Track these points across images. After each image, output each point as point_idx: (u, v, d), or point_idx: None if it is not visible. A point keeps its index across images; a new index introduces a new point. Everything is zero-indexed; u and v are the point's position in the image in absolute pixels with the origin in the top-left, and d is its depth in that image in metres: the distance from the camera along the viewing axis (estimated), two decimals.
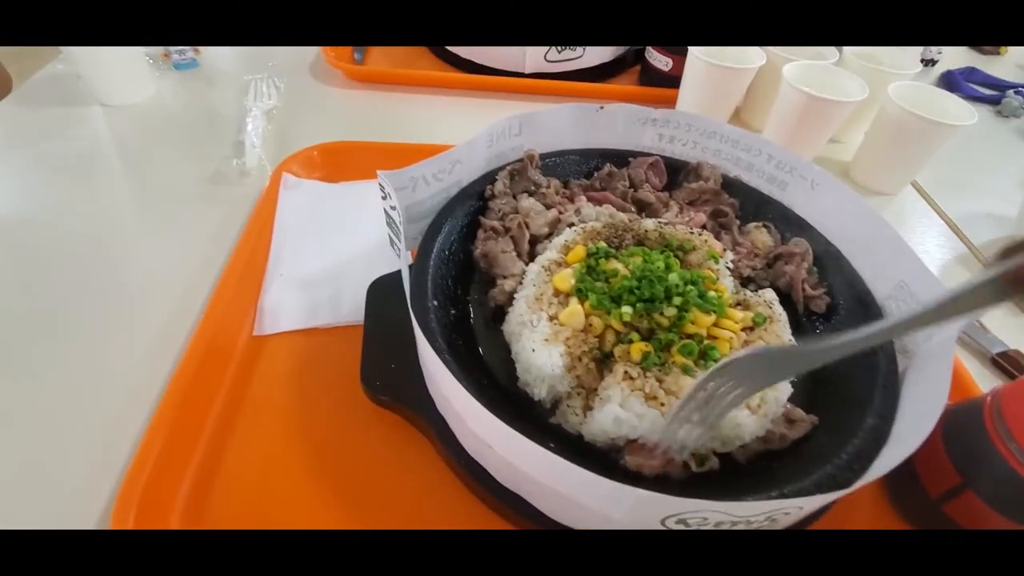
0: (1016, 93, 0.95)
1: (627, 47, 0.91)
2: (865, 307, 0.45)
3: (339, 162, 0.68)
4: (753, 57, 0.74)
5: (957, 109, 0.69)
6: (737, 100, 0.77)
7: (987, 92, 0.99)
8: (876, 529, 0.41)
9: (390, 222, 0.45)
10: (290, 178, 0.63)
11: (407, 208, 0.48)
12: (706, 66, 0.72)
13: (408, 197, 0.47)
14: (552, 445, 0.35)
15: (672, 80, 0.82)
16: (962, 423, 0.37)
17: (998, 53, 1.15)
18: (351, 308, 0.51)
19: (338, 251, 0.57)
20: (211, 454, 0.41)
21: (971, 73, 1.04)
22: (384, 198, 0.46)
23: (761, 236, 0.52)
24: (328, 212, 0.61)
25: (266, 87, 0.81)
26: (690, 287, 0.39)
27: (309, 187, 0.63)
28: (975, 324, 0.56)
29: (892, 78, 0.72)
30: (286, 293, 0.52)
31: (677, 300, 0.38)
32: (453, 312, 0.44)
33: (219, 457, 0.41)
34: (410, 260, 0.46)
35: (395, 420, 0.44)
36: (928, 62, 1.05)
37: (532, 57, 0.83)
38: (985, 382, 0.52)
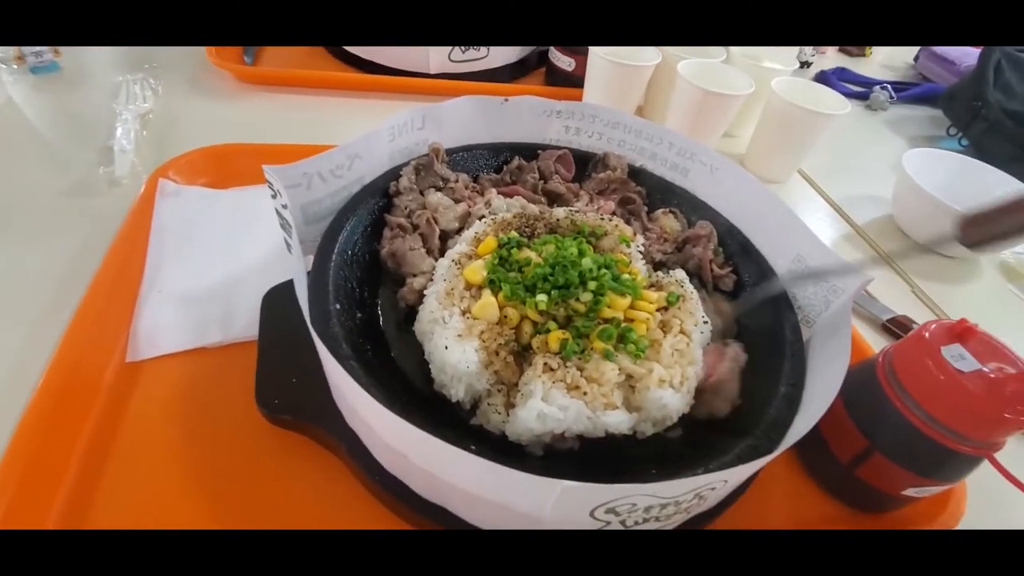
0: (882, 89, 1.06)
1: (532, 48, 0.91)
2: (767, 280, 0.46)
3: (227, 167, 0.62)
4: (649, 56, 0.76)
5: (833, 101, 0.75)
6: (638, 97, 0.80)
7: (857, 89, 1.10)
8: (797, 502, 0.43)
9: (283, 223, 0.41)
10: (168, 184, 0.56)
11: (303, 208, 0.44)
12: (607, 64, 0.74)
13: (303, 195, 0.43)
14: (473, 447, 0.32)
15: (576, 80, 0.83)
16: (859, 386, 0.39)
17: (864, 55, 1.28)
18: (245, 323, 0.46)
19: (228, 262, 0.51)
20: (76, 502, 0.35)
21: (842, 72, 1.14)
22: (274, 196, 0.42)
23: (669, 221, 0.52)
24: (216, 220, 0.55)
25: (140, 89, 0.73)
26: (604, 271, 0.38)
27: (192, 194, 0.57)
28: (865, 294, 0.61)
29: (774, 74, 0.77)
30: (166, 312, 0.46)
31: (592, 285, 0.37)
32: (360, 316, 0.41)
33: (87, 504, 0.35)
34: (308, 265, 0.42)
35: (301, 441, 0.39)
36: (804, 64, 1.15)
37: (436, 57, 0.81)
38: (878, 346, 0.56)
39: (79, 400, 0.40)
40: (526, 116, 0.57)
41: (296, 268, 0.35)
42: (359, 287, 0.43)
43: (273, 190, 0.41)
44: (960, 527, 0.41)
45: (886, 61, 1.29)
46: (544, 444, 0.35)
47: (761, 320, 0.45)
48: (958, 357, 0.35)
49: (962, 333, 0.36)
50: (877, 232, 0.75)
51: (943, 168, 0.74)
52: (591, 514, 0.28)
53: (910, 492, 0.39)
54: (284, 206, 0.42)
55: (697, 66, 0.75)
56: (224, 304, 0.47)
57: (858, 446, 0.39)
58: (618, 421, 0.34)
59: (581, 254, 0.40)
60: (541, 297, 0.37)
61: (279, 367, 0.40)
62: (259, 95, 0.78)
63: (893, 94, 1.07)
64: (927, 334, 0.37)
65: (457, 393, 0.36)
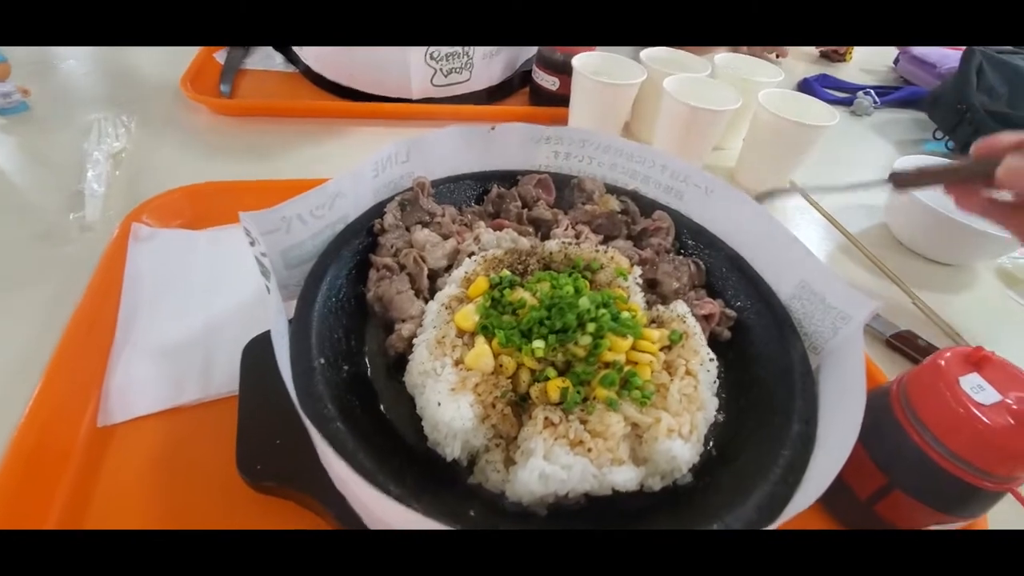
0: (864, 94, 1.06)
1: (514, 70, 0.90)
2: (771, 309, 0.45)
3: (205, 206, 0.59)
4: (634, 73, 0.75)
5: (820, 111, 0.74)
6: (625, 115, 0.78)
7: (840, 95, 1.10)
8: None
9: (263, 271, 0.39)
10: (142, 228, 0.54)
11: (284, 252, 0.42)
12: (591, 84, 0.73)
13: (282, 240, 0.41)
14: (472, 513, 0.30)
15: (561, 99, 0.81)
16: (874, 417, 0.37)
17: (844, 60, 1.28)
18: (226, 376, 0.43)
19: (206, 309, 0.49)
20: None
21: (824, 79, 1.14)
22: (252, 244, 0.39)
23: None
24: (193, 264, 0.53)
25: (112, 127, 0.71)
26: (603, 311, 0.36)
27: (167, 237, 0.54)
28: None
29: (760, 87, 0.76)
30: (139, 369, 0.43)
31: (591, 327, 0.35)
32: (347, 368, 0.38)
33: None
34: (290, 313, 0.39)
35: (289, 507, 0.37)
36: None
37: (418, 81, 0.79)
38: (884, 363, 0.55)
39: (47, 472, 0.37)
40: (514, 144, 0.55)
41: (276, 324, 0.33)
42: (345, 336, 0.40)
43: (251, 237, 0.39)
44: None
45: (865, 65, 1.29)
46: (548, 504, 0.33)
47: (768, 349, 0.43)
48: (977, 388, 0.33)
49: (979, 361, 0.35)
50: (872, 241, 0.74)
51: None
52: None
53: (931, 527, 0.37)
54: (264, 254, 0.39)
55: (683, 81, 0.74)
56: (202, 356, 0.45)
57: (876, 482, 0.37)
58: (626, 479, 0.31)
59: (578, 292, 0.38)
60: (538, 343, 0.35)
61: (261, 428, 0.37)
62: (237, 128, 0.76)
63: (876, 99, 1.07)
64: (942, 362, 0.35)
65: (453, 451, 0.33)
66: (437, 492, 0.31)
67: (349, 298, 0.43)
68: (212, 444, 0.39)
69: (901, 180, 0.56)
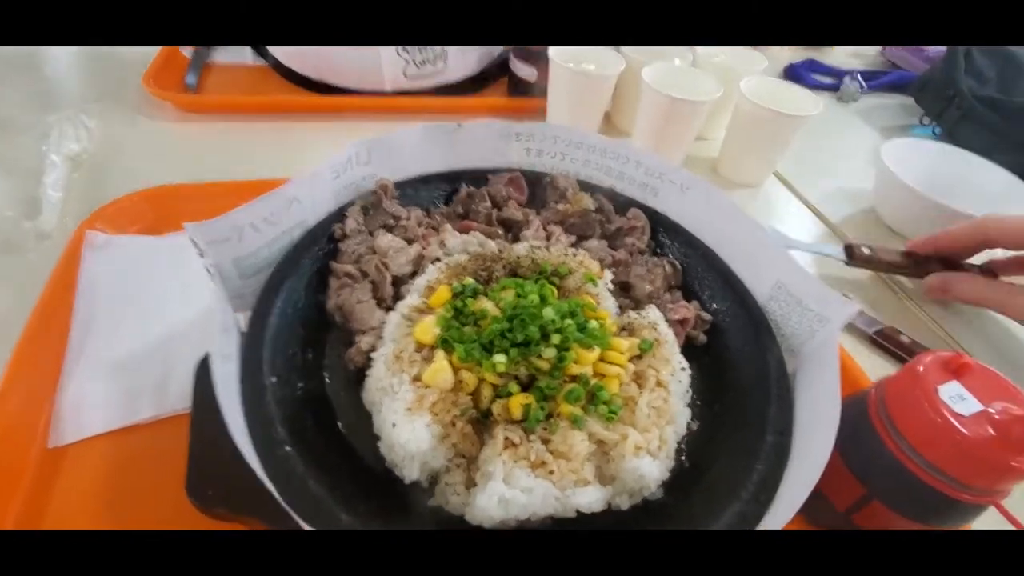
0: (852, 79, 1.04)
1: (491, 59, 0.87)
2: (748, 311, 0.43)
3: (168, 210, 0.57)
4: (612, 63, 0.73)
5: (804, 99, 0.72)
6: (605, 105, 0.76)
7: (827, 81, 1.07)
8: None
9: (214, 283, 0.37)
10: (97, 236, 0.52)
11: (237, 261, 0.40)
12: (568, 74, 0.70)
13: (234, 249, 0.39)
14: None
15: (540, 89, 0.79)
16: (852, 426, 0.36)
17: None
18: (184, 393, 0.41)
19: (165, 321, 0.47)
20: None
21: (811, 64, 1.12)
22: (201, 255, 0.37)
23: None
24: (152, 273, 0.50)
25: (72, 128, 0.68)
26: (568, 321, 0.35)
27: (123, 244, 0.52)
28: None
29: (742, 75, 0.74)
30: (93, 385, 0.42)
31: (555, 338, 0.34)
32: (302, 385, 0.36)
33: None
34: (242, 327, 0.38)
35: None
36: None
37: (390, 73, 0.77)
38: (867, 361, 0.54)
39: None
40: (484, 141, 0.53)
41: (218, 345, 0.31)
42: (302, 349, 0.39)
43: (198, 248, 0.37)
44: None
45: (853, 49, 1.27)
46: (510, 527, 0.31)
47: (743, 353, 0.42)
48: (957, 398, 0.32)
49: (959, 369, 0.33)
50: (860, 227, 0.73)
51: (922, 157, 0.72)
52: None
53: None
54: (215, 266, 0.38)
55: (662, 71, 0.72)
56: (158, 371, 0.43)
57: (855, 494, 0.36)
58: (591, 501, 0.30)
59: (543, 301, 0.36)
60: (499, 358, 0.33)
61: (214, 449, 0.35)
62: (204, 126, 0.73)
63: (863, 84, 1.05)
64: (921, 369, 0.34)
65: (411, 474, 0.32)
66: (390, 519, 0.29)
67: (308, 308, 0.41)
68: (167, 464, 0.38)
69: (856, 257, 0.60)
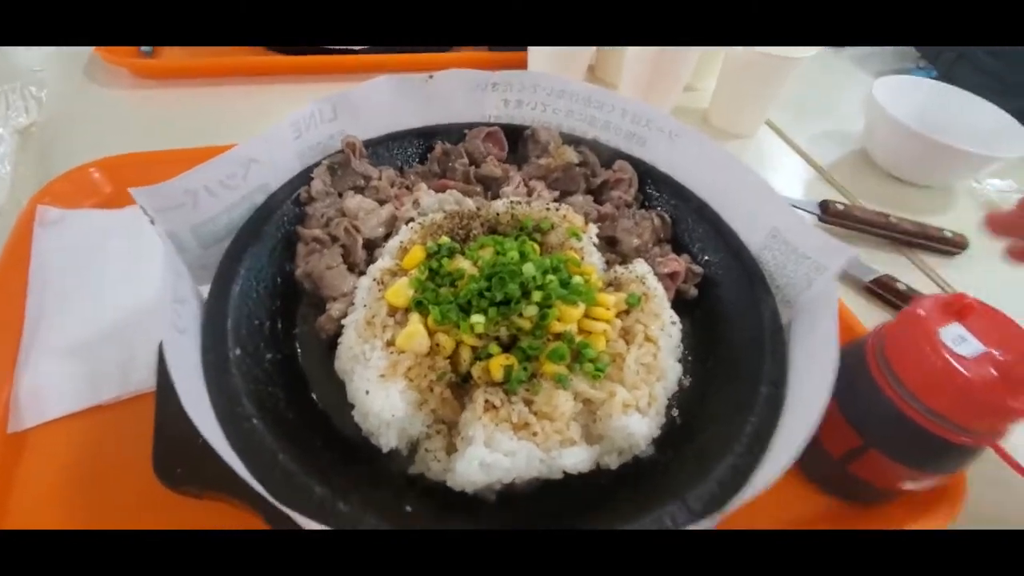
0: None
1: None
2: (741, 262, 0.41)
3: (126, 182, 0.52)
4: None
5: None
6: (588, 57, 0.73)
7: None
8: (785, 496, 0.38)
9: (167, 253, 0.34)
10: (49, 211, 0.48)
11: (195, 229, 0.37)
12: None
13: (190, 215, 0.36)
14: (409, 508, 0.27)
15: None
16: (849, 374, 0.34)
17: None
18: (149, 371, 0.39)
19: (126, 297, 0.44)
20: None
21: None
22: (152, 223, 0.35)
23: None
24: (111, 247, 0.47)
25: (21, 100, 0.64)
26: (550, 277, 0.32)
27: (79, 219, 0.49)
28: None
29: None
30: (51, 368, 0.39)
31: (537, 296, 0.32)
32: (271, 357, 0.34)
33: None
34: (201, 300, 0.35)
35: (218, 508, 0.33)
36: None
37: None
38: (863, 311, 0.52)
39: None
40: (458, 93, 0.49)
41: (167, 317, 0.29)
42: (271, 320, 0.36)
43: (148, 215, 0.34)
44: (960, 515, 0.37)
45: None
46: (495, 490, 0.30)
47: (737, 306, 0.40)
48: (959, 339, 0.30)
49: (961, 310, 0.32)
50: (849, 168, 0.70)
51: (914, 95, 0.70)
52: None
53: (907, 486, 0.35)
54: (169, 233, 0.35)
55: None
56: (121, 349, 0.41)
57: (851, 442, 0.35)
58: (577, 460, 0.29)
59: (523, 257, 0.34)
60: (477, 318, 0.31)
61: (182, 427, 0.33)
62: (162, 92, 0.69)
63: None
64: (921, 312, 0.32)
65: (388, 442, 0.30)
66: (369, 489, 0.28)
67: (275, 277, 0.38)
68: (134, 444, 0.36)
69: (830, 212, 0.59)
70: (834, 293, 0.34)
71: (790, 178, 0.70)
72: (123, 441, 0.36)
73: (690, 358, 0.39)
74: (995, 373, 0.29)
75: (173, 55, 0.76)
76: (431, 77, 0.47)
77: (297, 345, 0.37)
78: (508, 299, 0.31)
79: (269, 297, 0.37)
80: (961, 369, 0.29)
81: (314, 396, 0.34)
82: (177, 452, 0.33)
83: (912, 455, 0.33)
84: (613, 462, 0.31)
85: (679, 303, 0.41)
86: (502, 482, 0.28)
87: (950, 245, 0.59)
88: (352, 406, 0.33)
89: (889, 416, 0.32)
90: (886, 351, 0.33)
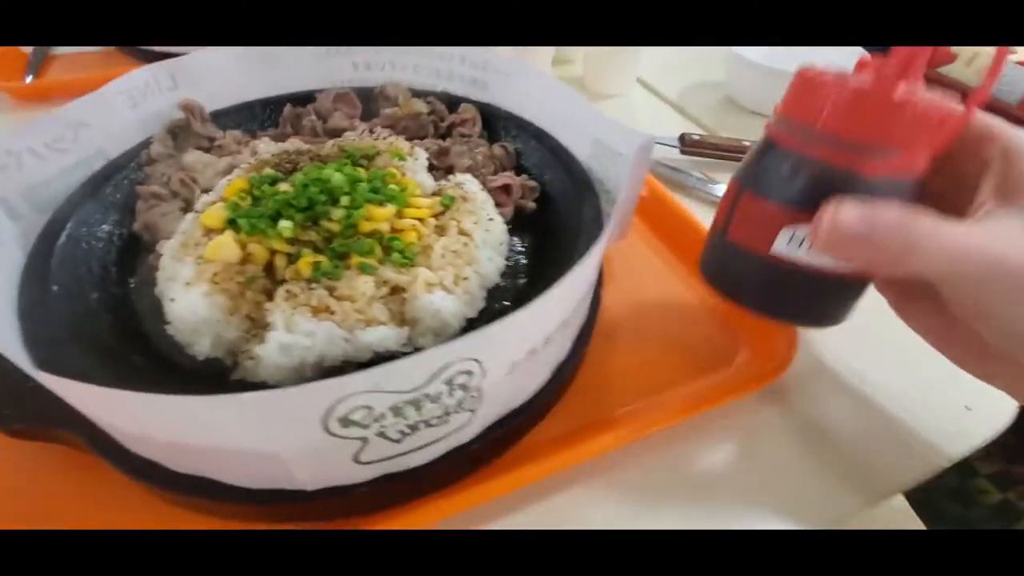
0: None
1: None
2: (571, 173, 0.44)
3: None
4: None
5: None
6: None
7: None
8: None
9: None
10: None
11: (27, 192, 0.38)
12: None
13: (16, 178, 0.37)
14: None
15: None
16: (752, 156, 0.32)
17: None
18: None
19: None
20: None
21: None
22: None
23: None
24: None
25: None
26: (361, 184, 0.34)
27: None
28: (703, 176, 0.60)
29: None
30: None
31: (344, 200, 0.33)
32: (96, 296, 0.35)
33: None
34: None
35: (54, 450, 0.34)
36: None
37: None
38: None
39: None
40: (305, 60, 0.52)
41: None
42: (103, 268, 0.37)
43: None
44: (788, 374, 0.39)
45: None
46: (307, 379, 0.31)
47: (569, 214, 0.42)
48: (841, 71, 0.29)
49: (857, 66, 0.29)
50: (717, 112, 0.75)
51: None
52: (328, 432, 0.24)
53: (781, 247, 0.30)
54: (1, 198, 0.36)
55: None
56: None
57: (729, 197, 0.33)
58: (381, 337, 0.30)
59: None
60: (284, 224, 0.32)
61: (9, 367, 0.34)
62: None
63: None
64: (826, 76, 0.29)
65: (202, 349, 0.31)
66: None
67: (112, 234, 0.39)
68: None
69: (688, 143, 0.62)
70: (637, 167, 0.37)
71: (661, 126, 0.74)
72: None
73: (530, 264, 0.41)
74: (877, 72, 0.28)
75: (58, 74, 0.77)
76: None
77: (132, 288, 0.37)
78: (312, 204, 0.33)
79: (103, 249, 0.38)
80: (843, 82, 0.28)
81: (142, 327, 0.35)
82: (5, 392, 0.33)
83: (783, 189, 0.30)
84: (429, 343, 0.32)
85: (522, 219, 0.44)
86: (305, 362, 0.29)
87: None
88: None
89: (765, 151, 0.31)
90: (778, 111, 0.31)
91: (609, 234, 0.31)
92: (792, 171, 0.30)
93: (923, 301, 0.31)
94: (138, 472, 0.30)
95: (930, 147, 0.29)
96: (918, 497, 0.59)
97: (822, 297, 0.33)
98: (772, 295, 0.33)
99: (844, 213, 0.26)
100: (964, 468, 0.79)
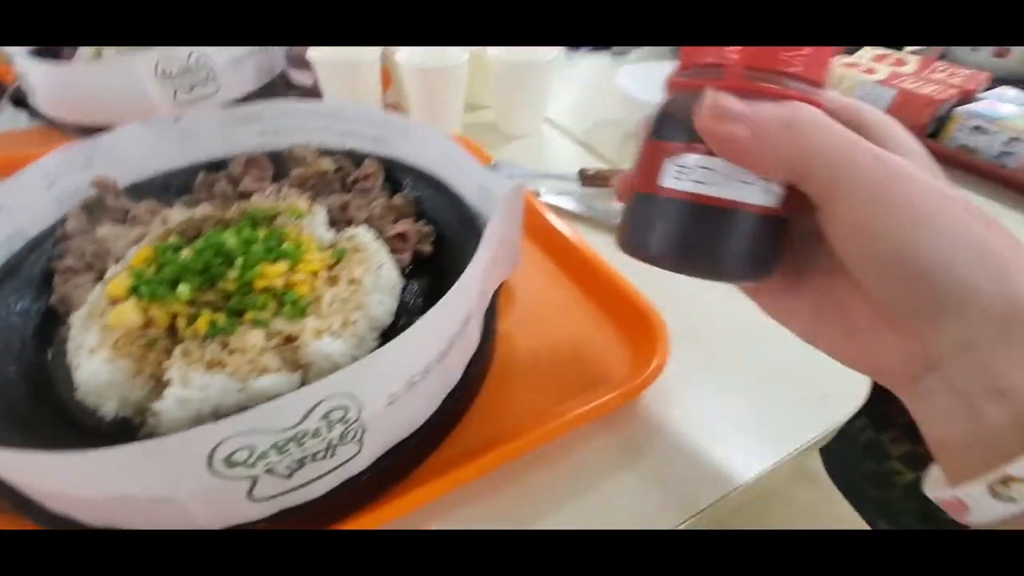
0: None
1: (273, 75, 0.91)
2: (461, 218, 0.49)
3: None
4: (367, 52, 0.78)
5: (546, 51, 0.81)
6: (375, 94, 0.82)
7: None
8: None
9: None
10: None
11: None
12: (327, 69, 0.75)
13: None
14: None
15: (318, 94, 0.83)
16: None
17: None
18: None
19: None
20: None
21: None
22: None
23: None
24: None
25: None
26: (255, 245, 0.38)
27: None
28: (599, 206, 0.66)
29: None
30: None
31: (239, 260, 0.37)
32: (14, 369, 0.37)
33: None
34: None
35: None
36: None
37: (160, 100, 0.78)
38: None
39: None
40: (215, 130, 0.56)
41: None
42: (21, 342, 0.40)
43: None
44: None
45: None
46: None
47: (461, 256, 0.47)
48: None
49: None
50: (620, 146, 0.82)
51: (657, 75, 0.82)
52: (216, 473, 0.28)
53: (670, 179, 0.29)
54: None
55: (419, 52, 0.78)
56: None
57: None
58: (273, 383, 0.33)
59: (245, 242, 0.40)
60: (182, 288, 0.36)
61: None
62: None
63: None
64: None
65: (109, 410, 0.34)
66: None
67: (29, 310, 0.42)
68: None
69: (586, 178, 0.70)
70: (510, 213, 0.42)
71: (567, 161, 0.80)
72: None
73: (427, 306, 0.45)
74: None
75: None
76: (179, 118, 0.54)
77: (49, 356, 0.40)
78: (207, 267, 0.37)
79: (22, 324, 0.41)
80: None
81: (55, 394, 0.37)
82: None
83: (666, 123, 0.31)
84: None
85: (420, 263, 0.48)
86: (200, 414, 0.32)
87: None
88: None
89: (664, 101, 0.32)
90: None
91: (480, 269, 0.35)
92: (671, 103, 0.31)
93: (792, 281, 0.31)
94: (55, 524, 0.32)
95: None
96: (844, 486, 0.65)
97: (729, 235, 0.29)
98: (679, 243, 0.30)
99: (725, 96, 0.26)
100: (877, 452, 0.86)
